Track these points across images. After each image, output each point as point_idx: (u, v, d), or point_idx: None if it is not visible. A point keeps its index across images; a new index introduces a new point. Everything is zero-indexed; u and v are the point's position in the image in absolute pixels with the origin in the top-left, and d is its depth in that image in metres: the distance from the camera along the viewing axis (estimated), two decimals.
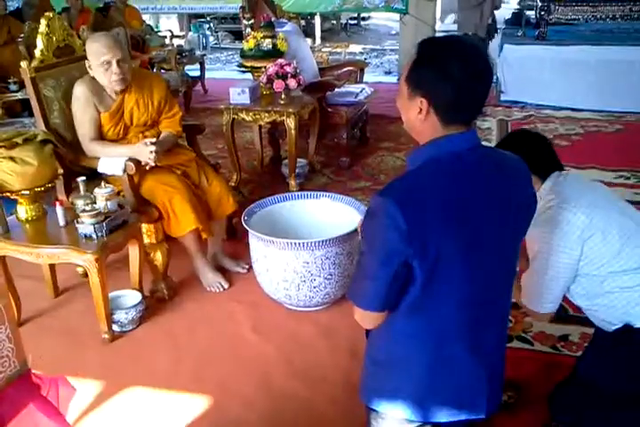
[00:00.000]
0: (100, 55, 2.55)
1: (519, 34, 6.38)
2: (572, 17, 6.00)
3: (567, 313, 2.51)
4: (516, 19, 6.98)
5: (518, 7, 7.92)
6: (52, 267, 2.73)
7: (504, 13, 10.06)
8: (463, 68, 1.22)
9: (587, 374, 1.82)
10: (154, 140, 2.65)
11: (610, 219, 1.68)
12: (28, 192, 2.43)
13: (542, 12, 6.06)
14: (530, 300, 1.81)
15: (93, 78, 2.64)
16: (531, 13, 7.02)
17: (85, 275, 2.66)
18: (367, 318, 1.37)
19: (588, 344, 1.97)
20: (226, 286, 2.85)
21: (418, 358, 1.36)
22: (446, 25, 12.38)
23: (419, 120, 1.30)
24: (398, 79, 1.44)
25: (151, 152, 2.59)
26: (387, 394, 1.44)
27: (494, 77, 6.14)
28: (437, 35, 7.90)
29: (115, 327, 2.49)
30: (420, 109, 1.27)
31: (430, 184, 1.25)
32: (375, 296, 1.30)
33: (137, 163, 2.58)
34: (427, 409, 1.40)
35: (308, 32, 8.47)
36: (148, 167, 2.64)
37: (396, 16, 8.27)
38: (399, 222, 1.19)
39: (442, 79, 1.23)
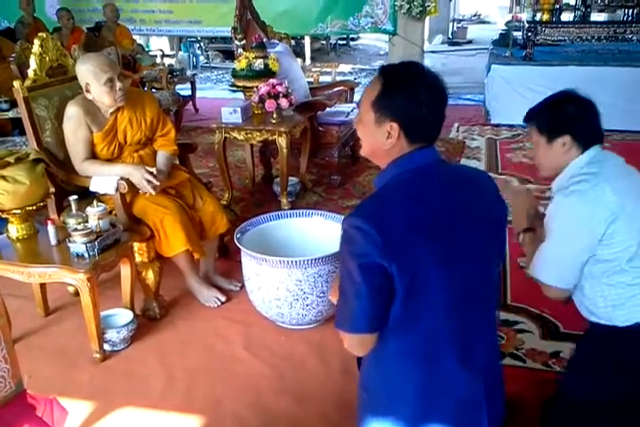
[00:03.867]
0: (102, 74, 2.55)
1: (506, 54, 6.48)
2: (559, 38, 6.11)
3: (558, 330, 2.53)
4: (504, 39, 7.09)
5: (505, 28, 8.05)
6: (42, 286, 2.71)
7: (491, 34, 10.23)
8: (429, 90, 1.34)
9: (572, 389, 1.82)
10: (154, 170, 2.65)
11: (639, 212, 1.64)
12: (19, 211, 2.43)
13: (529, 33, 6.17)
14: (536, 267, 1.76)
15: (86, 98, 2.65)
16: (518, 34, 7.14)
17: (76, 294, 2.65)
18: (357, 343, 1.36)
19: (570, 359, 1.97)
20: (223, 299, 2.85)
21: (412, 376, 1.37)
22: (434, 45, 12.57)
23: (388, 144, 1.37)
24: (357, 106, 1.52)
25: (153, 186, 2.61)
26: (385, 420, 1.42)
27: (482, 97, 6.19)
28: (425, 54, 8.03)
29: (106, 347, 2.48)
30: (389, 133, 1.35)
31: (398, 201, 1.31)
32: (362, 316, 1.30)
33: (129, 182, 2.59)
34: None
35: (297, 52, 8.56)
36: (147, 195, 2.66)
37: (385, 36, 8.39)
38: (374, 238, 1.23)
39: (412, 103, 1.33)
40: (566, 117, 1.74)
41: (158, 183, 2.64)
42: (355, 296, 1.29)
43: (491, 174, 4.51)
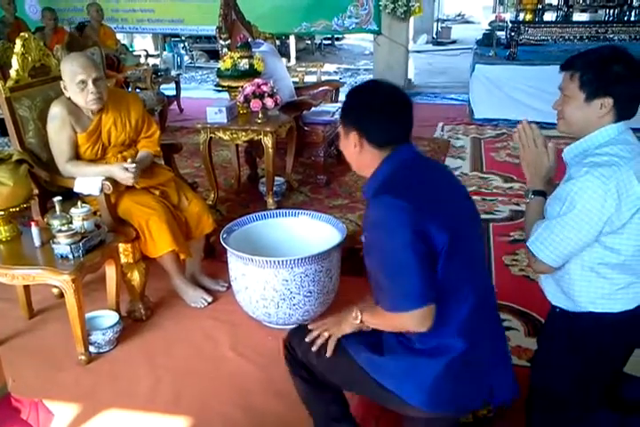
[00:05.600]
0: (75, 75, 2.54)
1: (490, 54, 6.53)
2: (542, 38, 6.16)
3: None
4: (487, 39, 7.14)
5: (489, 28, 8.11)
6: (26, 288, 2.69)
7: (475, 34, 10.30)
8: (386, 101, 1.53)
9: (542, 383, 1.84)
10: (133, 165, 2.63)
11: None
12: (2, 213, 2.41)
13: (512, 33, 6.22)
14: (537, 242, 1.67)
15: (69, 99, 2.63)
16: (501, 34, 7.19)
17: (61, 296, 2.63)
18: (423, 316, 1.42)
19: (535, 352, 1.97)
20: (209, 299, 2.84)
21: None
22: (419, 45, 12.62)
23: (356, 153, 1.56)
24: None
25: (132, 174, 2.59)
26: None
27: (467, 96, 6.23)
28: (410, 54, 8.06)
29: (91, 349, 2.46)
30: (355, 143, 1.54)
31: (405, 183, 1.50)
32: (416, 288, 1.40)
33: (114, 182, 2.57)
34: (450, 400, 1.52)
35: (282, 52, 8.56)
36: (126, 184, 2.63)
37: (370, 36, 8.41)
38: (402, 204, 1.41)
39: (369, 111, 1.53)
40: (615, 79, 1.59)
41: (133, 166, 2.60)
42: (402, 271, 1.40)
43: (477, 173, 4.56)
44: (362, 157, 1.56)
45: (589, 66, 1.63)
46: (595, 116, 1.64)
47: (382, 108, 1.52)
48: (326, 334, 1.66)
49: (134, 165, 2.61)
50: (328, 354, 1.64)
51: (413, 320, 1.44)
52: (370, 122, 1.52)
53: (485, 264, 1.69)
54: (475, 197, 4.01)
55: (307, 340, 1.68)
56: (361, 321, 1.61)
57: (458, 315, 1.49)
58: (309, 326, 1.73)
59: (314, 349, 1.66)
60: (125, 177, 2.59)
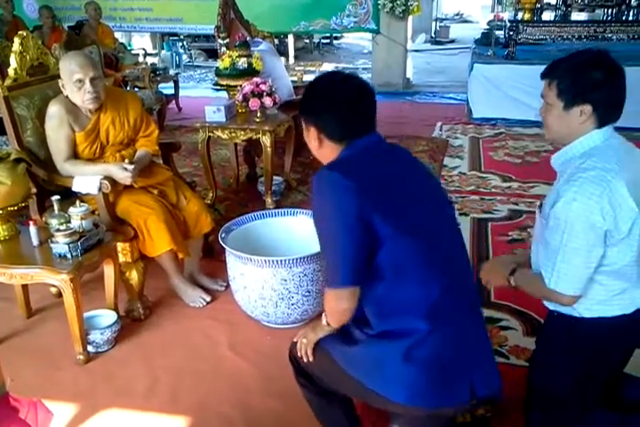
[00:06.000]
0: (72, 74, 2.54)
1: (489, 53, 6.53)
2: (540, 37, 6.16)
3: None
4: (486, 39, 7.14)
5: (487, 27, 8.11)
6: (24, 287, 2.68)
7: (474, 33, 10.30)
8: (342, 94, 1.49)
9: (540, 383, 1.83)
10: (131, 165, 2.62)
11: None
12: (0, 212, 2.40)
13: (511, 33, 6.22)
14: (560, 283, 1.61)
15: (68, 97, 2.62)
16: (500, 33, 7.19)
17: (59, 295, 2.62)
18: (346, 296, 1.43)
19: (534, 352, 1.97)
20: (208, 299, 2.84)
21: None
22: (417, 44, 12.62)
23: (316, 147, 1.56)
24: None
25: (130, 174, 2.58)
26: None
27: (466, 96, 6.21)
28: (409, 53, 8.06)
29: (90, 348, 2.46)
30: (314, 139, 1.54)
31: (358, 164, 1.47)
32: (347, 267, 1.39)
33: (112, 181, 2.57)
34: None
35: (281, 51, 8.55)
36: (124, 184, 2.63)
37: (369, 35, 8.41)
38: (345, 183, 1.37)
39: (325, 107, 1.50)
40: (592, 85, 1.57)
41: (131, 168, 2.60)
42: (338, 250, 1.40)
43: (475, 172, 4.56)
44: (322, 151, 1.56)
45: (566, 73, 1.61)
46: (575, 124, 1.62)
47: (338, 102, 1.48)
48: (304, 341, 1.67)
49: (133, 166, 2.61)
50: (310, 359, 1.65)
51: (334, 298, 1.46)
52: (326, 117, 1.50)
53: (460, 247, 1.58)
54: (473, 197, 4.05)
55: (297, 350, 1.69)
56: (327, 324, 1.60)
57: (419, 299, 1.43)
58: (294, 339, 1.73)
59: (299, 355, 1.67)
60: (124, 176, 2.59)
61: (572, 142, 1.65)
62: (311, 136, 1.55)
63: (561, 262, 1.59)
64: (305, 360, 1.67)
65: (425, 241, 1.43)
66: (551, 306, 1.77)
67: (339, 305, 1.46)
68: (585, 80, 1.58)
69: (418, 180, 1.56)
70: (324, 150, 1.55)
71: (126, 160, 2.66)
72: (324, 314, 1.61)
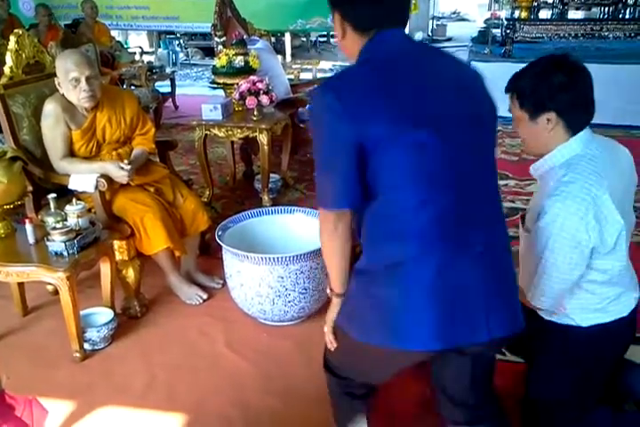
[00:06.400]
0: (68, 72, 2.53)
1: (486, 51, 6.54)
2: (537, 35, 6.18)
3: None
4: (483, 37, 7.15)
5: (484, 25, 8.11)
6: (20, 285, 2.68)
7: (470, 32, 10.30)
8: None
9: (540, 395, 1.80)
10: (128, 165, 2.62)
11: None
12: None
13: (508, 31, 6.23)
14: (542, 300, 1.66)
15: (63, 96, 2.62)
16: (497, 31, 7.20)
17: (55, 293, 2.62)
18: (334, 218, 1.34)
19: (528, 368, 1.93)
20: (205, 296, 2.84)
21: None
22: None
23: (340, 37, 1.41)
24: None
25: (126, 173, 2.58)
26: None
27: None
28: None
29: (86, 346, 2.45)
30: (338, 28, 1.39)
31: (359, 70, 1.34)
32: (338, 189, 1.30)
33: (109, 179, 2.57)
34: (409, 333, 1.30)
35: (278, 49, 8.54)
36: (127, 192, 2.63)
37: None
38: (338, 108, 1.24)
39: None
40: (551, 91, 1.55)
41: (128, 167, 2.60)
42: (330, 170, 1.30)
43: None
44: (345, 43, 1.41)
45: (525, 84, 1.61)
46: (545, 133, 1.60)
47: None
48: (326, 329, 1.55)
49: (129, 167, 2.61)
50: (333, 345, 1.54)
51: (321, 219, 1.37)
52: (351, 1, 1.35)
53: (485, 165, 1.36)
54: None
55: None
56: (330, 289, 1.49)
57: (411, 221, 1.28)
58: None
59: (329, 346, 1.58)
60: (120, 175, 2.59)
61: (551, 152, 1.62)
62: (336, 25, 1.40)
63: (540, 278, 1.60)
64: (330, 347, 1.57)
65: (429, 159, 1.25)
66: (546, 316, 1.74)
67: (325, 226, 1.36)
68: (543, 87, 1.56)
69: (449, 90, 1.31)
70: (347, 42, 1.40)
71: (125, 161, 2.65)
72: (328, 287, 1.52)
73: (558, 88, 1.55)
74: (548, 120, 1.58)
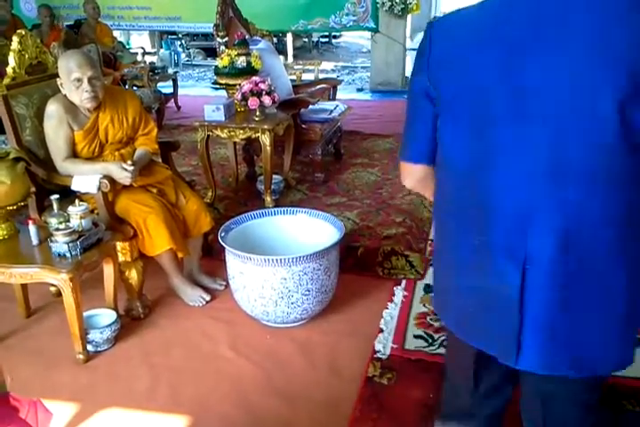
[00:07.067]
0: (70, 73, 2.53)
1: None
2: None
3: None
4: None
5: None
6: (23, 286, 2.68)
7: None
8: None
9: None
10: (131, 165, 2.61)
11: None
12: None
13: None
14: None
15: (66, 96, 2.62)
16: None
17: (58, 294, 2.62)
18: (404, 172, 1.33)
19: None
20: (207, 298, 2.84)
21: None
22: (416, 43, 12.60)
23: None
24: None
25: (129, 174, 2.58)
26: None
27: None
28: (408, 52, 8.06)
29: (89, 347, 2.45)
30: None
31: (468, 10, 1.14)
32: (409, 142, 1.29)
33: (111, 180, 2.57)
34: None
35: (279, 50, 8.55)
36: (130, 193, 2.62)
37: (368, 34, 8.40)
38: (425, 50, 1.16)
39: None
40: None
41: (131, 168, 2.59)
42: (406, 122, 1.28)
43: None
44: None
45: None
46: None
47: None
48: None
49: (133, 167, 2.60)
50: None
51: (400, 168, 1.35)
52: None
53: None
54: None
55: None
56: None
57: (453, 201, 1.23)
58: None
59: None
60: (123, 176, 2.58)
61: None
62: None
63: None
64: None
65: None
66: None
67: (403, 178, 1.36)
68: None
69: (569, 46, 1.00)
70: None
71: (128, 161, 2.65)
72: None
73: None
74: None
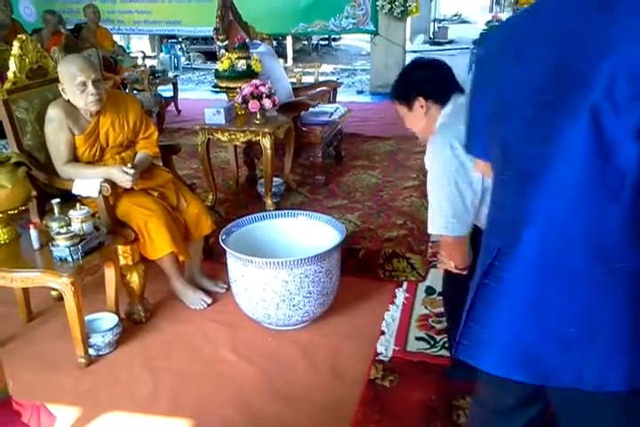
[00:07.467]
0: (74, 77, 2.54)
1: None
2: None
3: None
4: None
5: (486, 28, 8.12)
6: (25, 290, 2.67)
7: (472, 34, 10.29)
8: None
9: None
10: (132, 169, 2.62)
11: None
12: (0, 215, 2.39)
13: None
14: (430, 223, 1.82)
15: (67, 101, 2.62)
16: None
17: (60, 298, 2.62)
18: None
19: None
20: (209, 301, 2.84)
21: None
22: (416, 45, 12.62)
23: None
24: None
25: (130, 177, 2.58)
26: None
27: None
28: (407, 54, 8.07)
29: (91, 351, 2.45)
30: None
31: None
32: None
33: (112, 184, 2.57)
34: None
35: (279, 53, 8.56)
36: (131, 196, 2.62)
37: (367, 36, 8.41)
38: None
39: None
40: (414, 82, 1.89)
41: (132, 171, 2.59)
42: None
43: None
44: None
45: (395, 86, 1.94)
46: (423, 116, 1.89)
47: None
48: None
49: (133, 171, 2.61)
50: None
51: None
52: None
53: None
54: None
55: None
56: None
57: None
58: None
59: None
60: (124, 180, 2.58)
61: None
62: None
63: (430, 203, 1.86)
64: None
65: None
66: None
67: None
68: (407, 81, 1.91)
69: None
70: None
71: (129, 165, 2.65)
72: None
73: (418, 77, 1.89)
74: (421, 106, 1.88)
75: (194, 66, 11.17)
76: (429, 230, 1.83)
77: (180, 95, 7.23)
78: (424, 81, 1.87)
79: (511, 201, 1.15)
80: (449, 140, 1.72)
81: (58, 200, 2.38)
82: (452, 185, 1.72)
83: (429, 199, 1.81)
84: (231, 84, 3.85)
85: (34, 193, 2.62)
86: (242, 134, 3.61)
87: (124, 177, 2.58)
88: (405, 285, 2.97)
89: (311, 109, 4.21)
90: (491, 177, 1.27)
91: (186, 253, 2.75)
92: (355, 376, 2.30)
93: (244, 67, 3.84)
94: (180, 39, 10.96)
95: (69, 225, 2.34)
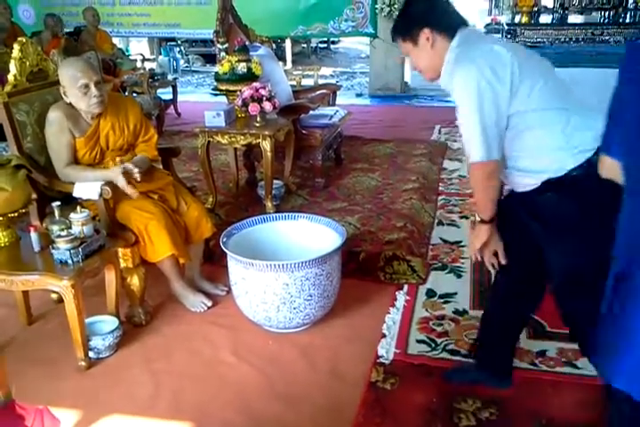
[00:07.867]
0: (76, 80, 2.54)
1: None
2: (537, 40, 6.19)
3: (544, 329, 2.55)
4: None
5: (485, 30, 8.12)
6: (25, 293, 2.67)
7: None
8: None
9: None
10: (136, 168, 2.62)
11: None
12: (1, 218, 2.39)
13: (508, 36, 6.25)
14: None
15: (68, 104, 2.62)
16: (497, 36, 7.21)
17: (60, 301, 2.61)
18: None
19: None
20: (209, 304, 2.84)
21: None
22: None
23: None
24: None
25: (133, 192, 2.58)
26: None
27: None
28: (407, 57, 8.07)
29: (91, 354, 2.45)
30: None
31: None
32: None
33: (113, 187, 2.57)
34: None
35: (278, 55, 8.56)
36: (134, 196, 2.61)
37: (366, 39, 8.42)
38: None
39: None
40: (416, 14, 1.83)
41: (136, 169, 2.60)
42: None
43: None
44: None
45: (395, 24, 1.88)
46: (430, 50, 1.81)
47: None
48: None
49: (136, 169, 2.61)
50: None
51: None
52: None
53: None
54: (471, 199, 4.04)
55: None
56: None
57: None
58: None
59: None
60: (123, 184, 2.57)
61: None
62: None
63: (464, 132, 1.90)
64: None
65: None
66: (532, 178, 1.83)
67: None
68: (408, 15, 1.85)
69: None
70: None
71: (120, 158, 2.65)
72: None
73: (419, 9, 1.83)
74: (427, 38, 1.79)
75: (193, 68, 11.19)
76: (472, 159, 1.82)
77: (180, 98, 7.24)
78: (426, 12, 1.82)
79: None
80: (480, 70, 1.66)
81: (58, 203, 2.38)
82: (487, 115, 1.70)
83: (462, 131, 1.81)
84: (231, 87, 3.85)
85: (34, 196, 2.62)
86: (242, 137, 3.62)
87: (123, 181, 2.57)
88: (406, 287, 2.97)
89: (311, 112, 4.21)
90: (617, 177, 1.27)
91: (186, 255, 2.75)
92: (355, 379, 2.30)
93: (245, 69, 3.84)
94: (179, 42, 10.97)
95: (70, 228, 2.34)
